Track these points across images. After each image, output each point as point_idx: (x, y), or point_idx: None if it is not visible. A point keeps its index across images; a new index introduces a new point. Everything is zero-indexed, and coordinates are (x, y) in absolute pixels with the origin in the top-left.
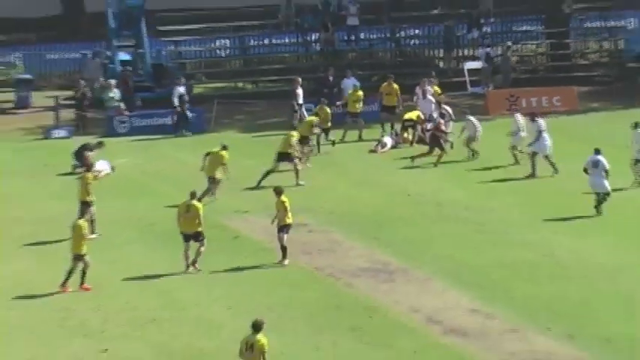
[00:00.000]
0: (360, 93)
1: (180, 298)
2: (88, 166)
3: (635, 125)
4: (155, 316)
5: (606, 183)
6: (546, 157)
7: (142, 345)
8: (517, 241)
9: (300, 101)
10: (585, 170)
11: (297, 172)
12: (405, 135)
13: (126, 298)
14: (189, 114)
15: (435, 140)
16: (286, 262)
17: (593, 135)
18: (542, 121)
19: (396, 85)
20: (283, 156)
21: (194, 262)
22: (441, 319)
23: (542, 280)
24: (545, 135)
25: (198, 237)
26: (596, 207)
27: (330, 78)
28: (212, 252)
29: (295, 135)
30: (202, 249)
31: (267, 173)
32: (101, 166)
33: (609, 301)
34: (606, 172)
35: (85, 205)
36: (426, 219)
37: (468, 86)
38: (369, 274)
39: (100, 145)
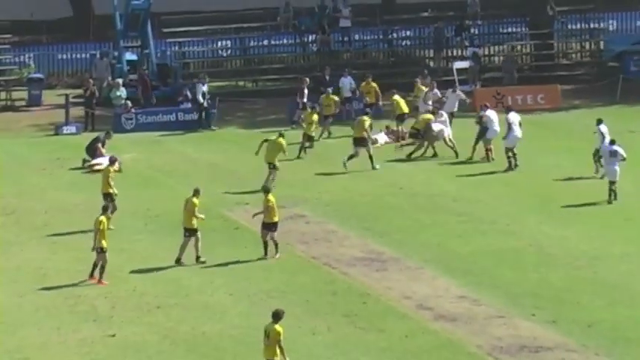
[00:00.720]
0: (333, 97)
1: (185, 285)
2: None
3: (597, 121)
4: (161, 302)
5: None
6: (507, 149)
7: (148, 329)
8: (504, 231)
9: (305, 99)
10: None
11: (371, 157)
12: (398, 129)
13: (133, 286)
14: (212, 110)
15: (429, 134)
16: (277, 255)
17: (575, 131)
18: (513, 115)
19: (374, 84)
20: (359, 141)
21: (197, 258)
22: (431, 305)
23: (527, 267)
24: (515, 128)
25: (191, 233)
26: (609, 196)
27: (327, 77)
28: (214, 242)
29: (367, 120)
30: (199, 244)
31: (350, 157)
32: (103, 160)
33: (591, 288)
34: (624, 159)
35: (107, 197)
36: (418, 210)
37: (457, 85)
38: (363, 263)
39: (108, 135)
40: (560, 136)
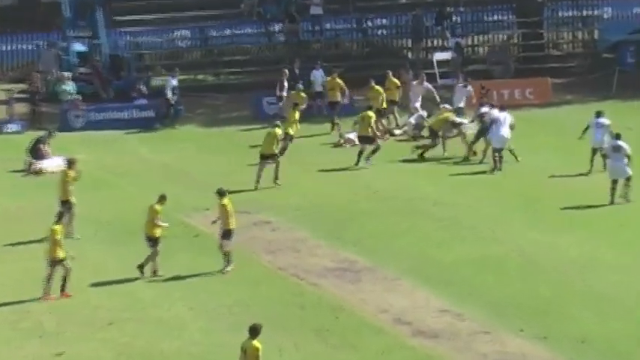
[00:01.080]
0: (302, 94)
1: (140, 298)
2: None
3: (596, 113)
4: (114, 317)
5: (628, 169)
6: (495, 150)
7: (101, 346)
8: (488, 237)
9: (285, 93)
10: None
11: (361, 153)
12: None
13: (84, 298)
14: (180, 107)
15: (433, 133)
16: (229, 268)
17: (566, 127)
18: (496, 112)
19: (339, 81)
20: (365, 139)
21: (154, 272)
22: (410, 319)
23: (512, 277)
24: (501, 128)
25: (153, 242)
26: (611, 196)
27: (296, 70)
28: (173, 251)
29: (373, 115)
30: (156, 257)
31: (360, 154)
32: (53, 162)
33: (582, 299)
34: (628, 157)
35: (65, 204)
36: (394, 215)
37: (438, 78)
38: (335, 274)
39: (50, 133)
40: (550, 133)
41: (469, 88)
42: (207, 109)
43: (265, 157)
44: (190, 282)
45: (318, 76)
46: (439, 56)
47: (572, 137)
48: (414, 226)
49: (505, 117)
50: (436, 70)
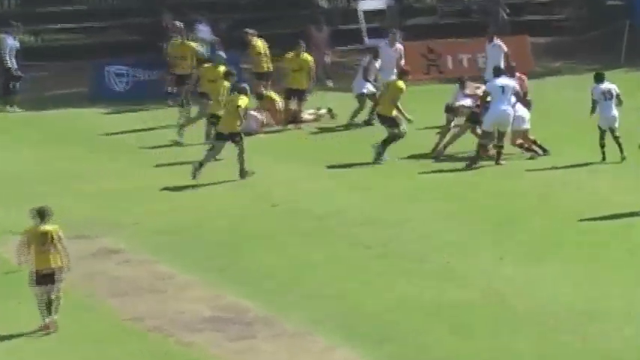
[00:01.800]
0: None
1: None
2: None
3: (599, 77)
4: None
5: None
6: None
7: None
8: (442, 271)
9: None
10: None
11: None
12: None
13: None
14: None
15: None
16: (52, 318)
17: (554, 108)
18: (502, 82)
19: (307, 56)
20: (384, 119)
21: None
22: None
23: (479, 330)
24: (500, 102)
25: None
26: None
27: (167, 25)
28: None
29: (402, 87)
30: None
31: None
32: None
33: None
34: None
35: None
36: (302, 239)
37: (365, 37)
38: (215, 326)
39: None
40: (531, 116)
41: (398, 46)
42: (25, 85)
43: (224, 137)
44: (9, 343)
45: (204, 33)
46: (366, 5)
47: (562, 122)
48: (331, 255)
49: (505, 85)
50: (363, 25)
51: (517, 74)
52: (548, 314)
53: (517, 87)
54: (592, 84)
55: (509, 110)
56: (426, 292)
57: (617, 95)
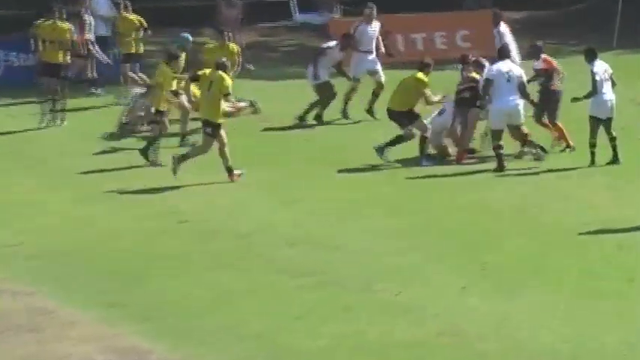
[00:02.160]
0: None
1: None
2: None
3: (592, 53)
4: None
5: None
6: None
7: None
8: (388, 304)
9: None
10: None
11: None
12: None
13: None
14: None
15: None
16: None
17: (529, 104)
18: (504, 66)
19: (234, 47)
20: (395, 115)
21: None
22: None
23: None
24: (505, 92)
25: None
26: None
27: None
28: None
29: (424, 80)
30: None
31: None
32: None
33: None
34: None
35: None
36: (217, 264)
37: (295, 10)
38: None
39: None
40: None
41: (376, 23)
42: None
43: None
44: None
45: (102, 4)
46: None
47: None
48: (254, 284)
49: (510, 70)
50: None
51: (542, 56)
52: (524, 359)
53: (524, 76)
54: (585, 63)
55: (519, 100)
56: (371, 329)
57: (611, 76)
